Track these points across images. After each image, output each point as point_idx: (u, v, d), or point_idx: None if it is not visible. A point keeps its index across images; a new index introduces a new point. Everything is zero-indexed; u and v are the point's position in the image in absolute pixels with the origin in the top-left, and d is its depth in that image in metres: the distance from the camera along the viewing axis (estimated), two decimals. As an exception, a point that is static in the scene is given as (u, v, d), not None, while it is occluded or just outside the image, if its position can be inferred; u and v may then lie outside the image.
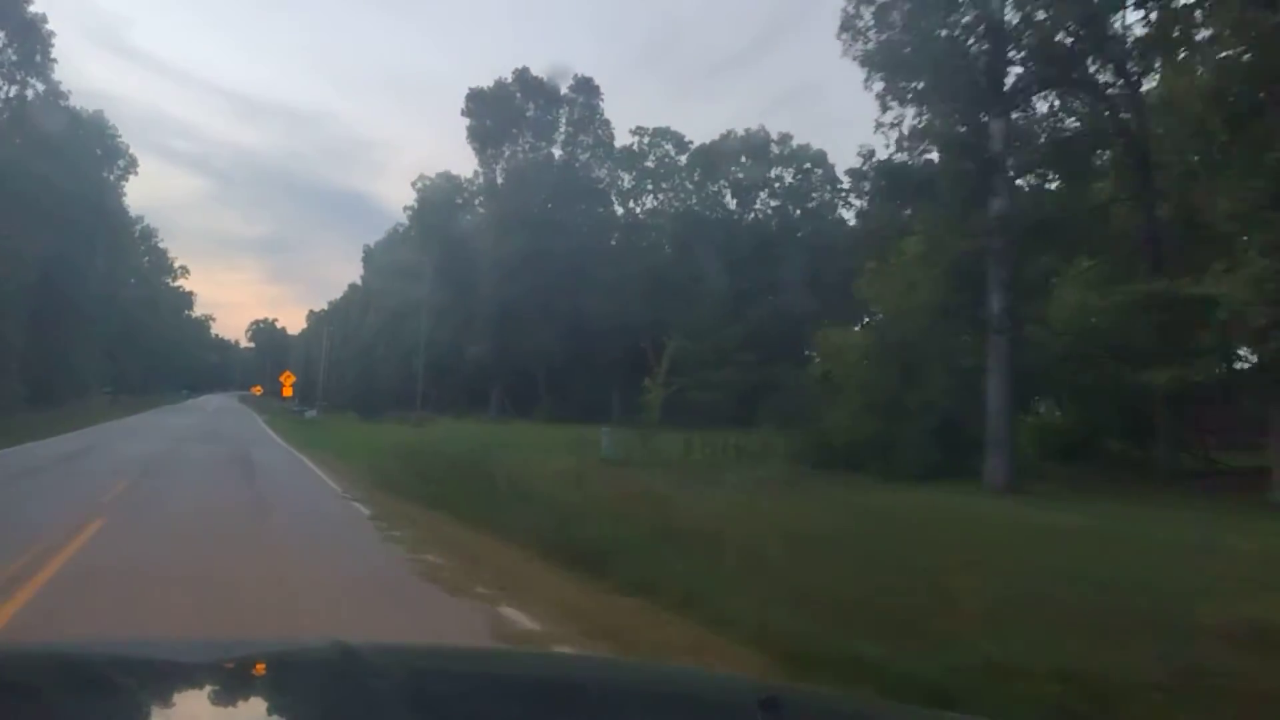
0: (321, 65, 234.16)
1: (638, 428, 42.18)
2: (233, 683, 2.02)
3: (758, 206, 53.25)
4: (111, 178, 63.38)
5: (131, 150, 63.77)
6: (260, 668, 2.17)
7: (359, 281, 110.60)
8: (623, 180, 56.00)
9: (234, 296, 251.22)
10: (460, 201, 67.46)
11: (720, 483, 15.55)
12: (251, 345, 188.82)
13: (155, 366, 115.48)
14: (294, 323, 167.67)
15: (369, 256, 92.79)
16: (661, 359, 41.96)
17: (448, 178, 66.85)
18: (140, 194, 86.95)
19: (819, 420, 24.44)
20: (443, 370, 58.45)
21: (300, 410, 59.86)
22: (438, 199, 65.64)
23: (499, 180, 54.72)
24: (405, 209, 70.31)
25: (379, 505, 14.10)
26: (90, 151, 54.46)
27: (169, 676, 2.00)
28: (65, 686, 1.84)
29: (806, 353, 54.04)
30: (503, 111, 53.43)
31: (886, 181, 22.38)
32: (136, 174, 63.31)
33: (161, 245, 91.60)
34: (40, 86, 44.64)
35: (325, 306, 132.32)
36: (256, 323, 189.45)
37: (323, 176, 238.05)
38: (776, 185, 52.66)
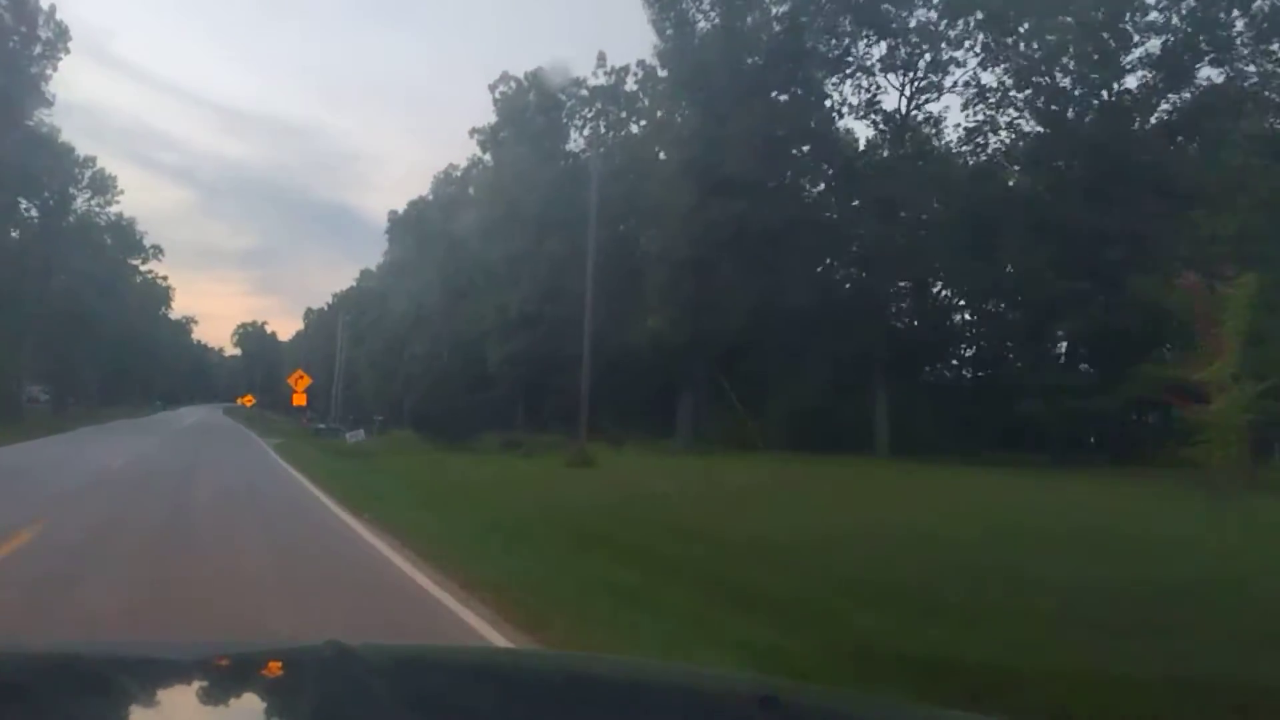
0: (307, 77, 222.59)
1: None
2: (230, 683, 1.94)
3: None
4: (33, 67, 40.68)
5: (62, 19, 40.52)
6: (257, 668, 2.08)
7: (373, 268, 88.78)
8: (901, 53, 32.78)
9: (219, 309, 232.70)
10: (565, 119, 45.33)
11: None
12: (238, 352, 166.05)
13: (121, 371, 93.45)
14: (281, 335, 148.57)
15: (398, 224, 69.41)
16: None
17: (541, 79, 44.40)
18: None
19: None
20: (560, 365, 35.88)
21: (333, 431, 37.20)
22: (534, 105, 43.42)
23: (677, 45, 32.21)
24: (472, 133, 47.79)
25: None
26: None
27: (166, 677, 1.92)
28: (61, 687, 1.77)
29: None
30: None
31: None
32: (68, 53, 39.94)
33: (128, 215, 66.70)
34: None
35: (330, 300, 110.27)
36: (244, 326, 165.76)
37: (309, 189, 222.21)
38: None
